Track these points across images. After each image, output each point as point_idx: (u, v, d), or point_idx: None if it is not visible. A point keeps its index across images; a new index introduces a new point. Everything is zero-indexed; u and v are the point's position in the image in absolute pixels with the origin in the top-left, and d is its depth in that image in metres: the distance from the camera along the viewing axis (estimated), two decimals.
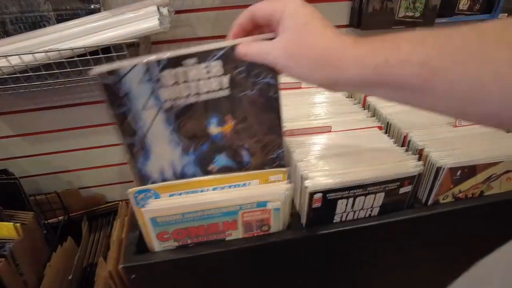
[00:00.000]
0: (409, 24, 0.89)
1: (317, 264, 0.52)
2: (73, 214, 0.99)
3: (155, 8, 0.63)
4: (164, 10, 0.66)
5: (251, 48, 0.35)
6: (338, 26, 0.92)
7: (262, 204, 0.44)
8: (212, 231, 0.46)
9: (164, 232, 0.44)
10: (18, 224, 0.72)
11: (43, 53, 0.61)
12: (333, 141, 0.53)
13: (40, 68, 0.64)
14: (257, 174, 0.44)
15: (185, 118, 0.40)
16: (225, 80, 0.38)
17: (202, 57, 0.36)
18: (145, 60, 0.35)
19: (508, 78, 0.22)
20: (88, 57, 0.63)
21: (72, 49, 0.62)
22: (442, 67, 0.25)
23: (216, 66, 0.37)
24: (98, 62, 0.65)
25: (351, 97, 0.69)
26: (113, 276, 0.66)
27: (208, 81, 0.38)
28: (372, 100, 0.66)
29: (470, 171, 0.50)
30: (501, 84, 0.23)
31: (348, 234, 0.49)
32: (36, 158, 0.95)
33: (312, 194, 0.45)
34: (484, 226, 0.55)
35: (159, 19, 0.62)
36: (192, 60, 0.36)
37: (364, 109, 0.64)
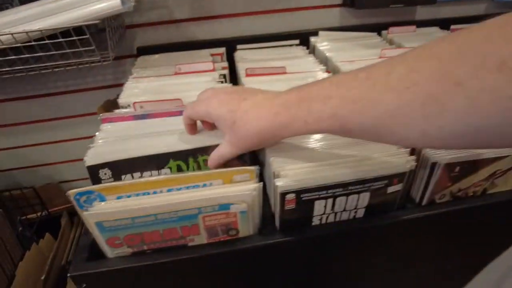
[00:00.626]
0: (409, 2, 0.81)
1: (293, 272, 0.46)
2: (53, 209, 0.95)
3: None
4: None
5: (213, 159, 0.41)
6: (331, 6, 0.84)
7: (224, 207, 0.38)
8: (170, 237, 0.40)
9: (115, 238, 0.39)
10: None
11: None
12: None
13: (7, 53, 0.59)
14: (220, 173, 0.38)
15: None
16: None
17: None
18: None
19: (400, 116, 0.27)
20: (47, 41, 0.57)
21: (26, 32, 0.55)
22: (348, 115, 0.30)
23: None
24: (59, 47, 0.59)
25: None
26: None
27: None
28: None
29: (470, 167, 0.43)
30: (396, 121, 0.27)
31: (328, 238, 0.43)
32: (11, 151, 0.91)
33: (283, 195, 0.38)
34: (487, 228, 0.49)
35: None
36: None
37: None
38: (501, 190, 0.47)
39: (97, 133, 0.47)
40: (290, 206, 0.40)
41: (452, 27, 0.88)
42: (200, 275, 0.43)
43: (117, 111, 0.55)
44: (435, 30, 0.86)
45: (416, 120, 0.26)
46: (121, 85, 0.86)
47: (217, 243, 0.42)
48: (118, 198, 0.37)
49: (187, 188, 0.38)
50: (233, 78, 0.72)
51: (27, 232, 0.82)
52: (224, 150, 0.39)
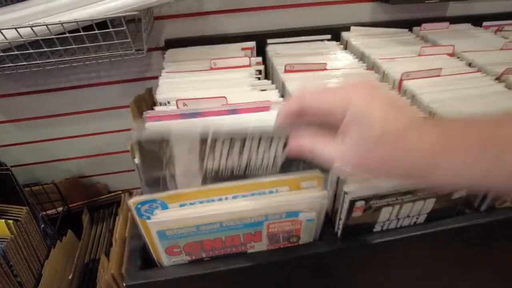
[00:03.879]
0: None
1: (353, 279, 0.45)
2: (73, 205, 0.93)
3: None
4: None
5: (317, 150, 0.29)
6: (363, 1, 0.81)
7: (292, 214, 0.36)
8: (231, 244, 0.38)
9: (174, 246, 0.37)
10: (11, 221, 0.65)
11: (29, 28, 0.52)
12: None
13: (26, 46, 0.56)
14: (287, 180, 0.35)
15: None
16: None
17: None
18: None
19: None
20: (82, 33, 0.54)
21: (61, 24, 0.53)
22: None
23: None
24: (93, 39, 0.57)
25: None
26: (116, 280, 0.59)
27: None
28: (409, 85, 0.57)
29: None
30: None
31: (391, 245, 0.42)
32: (30, 145, 0.88)
33: (353, 202, 0.37)
34: None
35: None
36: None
37: (399, 95, 0.56)
38: None
39: None
40: (357, 213, 0.38)
41: (485, 23, 0.86)
42: (258, 282, 0.42)
43: (158, 108, 0.53)
44: (468, 27, 0.84)
45: None
46: (147, 78, 0.84)
47: (278, 250, 0.40)
48: (181, 206, 0.35)
49: (252, 195, 0.36)
50: (266, 73, 0.70)
51: (49, 229, 0.80)
52: (334, 154, 0.28)
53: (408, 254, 0.44)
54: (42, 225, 0.79)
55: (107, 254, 0.76)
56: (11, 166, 0.74)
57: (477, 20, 0.85)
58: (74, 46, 0.57)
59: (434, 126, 0.26)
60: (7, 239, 0.64)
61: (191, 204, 0.35)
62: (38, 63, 0.59)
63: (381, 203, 0.38)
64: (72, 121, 0.87)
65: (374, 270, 0.45)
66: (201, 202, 0.35)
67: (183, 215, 0.34)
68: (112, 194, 0.98)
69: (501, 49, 0.70)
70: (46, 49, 0.56)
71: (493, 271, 0.49)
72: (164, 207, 0.34)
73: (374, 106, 0.26)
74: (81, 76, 0.80)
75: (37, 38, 0.54)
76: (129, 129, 0.98)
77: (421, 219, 0.43)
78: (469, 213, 0.45)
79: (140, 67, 0.81)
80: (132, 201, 0.33)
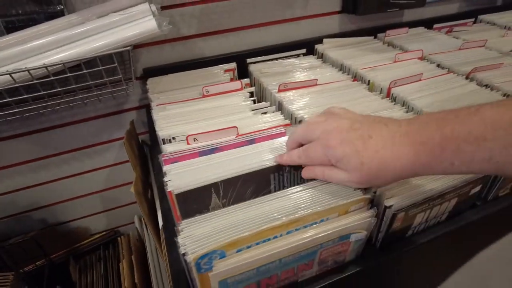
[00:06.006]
0: (403, 5, 0.85)
1: (394, 285, 0.47)
2: (55, 256, 0.84)
3: (147, 6, 0.51)
4: (154, 8, 0.54)
5: (328, 177, 0.38)
6: (330, 13, 0.85)
7: (345, 238, 0.37)
8: (285, 277, 0.38)
9: None
10: None
11: (7, 76, 0.47)
12: None
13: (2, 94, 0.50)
14: (336, 207, 0.36)
15: None
16: None
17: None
18: None
19: None
20: (68, 74, 0.50)
21: (46, 67, 0.48)
22: (510, 160, 0.28)
23: None
24: (80, 79, 0.53)
25: (373, 91, 0.64)
26: None
27: None
28: (398, 91, 0.61)
29: None
30: None
31: (424, 246, 0.44)
32: None
33: (395, 215, 0.38)
34: None
35: (156, 19, 0.50)
36: None
37: (392, 102, 0.59)
38: None
39: (166, 179, 0.42)
40: (397, 224, 0.40)
41: (435, 26, 0.95)
42: None
43: (166, 146, 0.50)
44: (422, 30, 0.93)
45: None
46: (125, 110, 0.79)
47: (326, 273, 0.40)
48: (238, 251, 0.33)
49: (305, 227, 0.36)
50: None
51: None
52: (341, 180, 0.36)
53: (438, 251, 0.47)
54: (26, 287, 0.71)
55: None
56: None
57: (428, 23, 0.94)
58: (59, 89, 0.52)
59: (402, 136, 0.33)
60: None
61: (248, 247, 0.34)
62: (16, 111, 0.53)
63: (417, 211, 0.40)
64: (42, 166, 0.79)
65: (412, 273, 0.47)
66: (257, 243, 0.34)
67: (244, 260, 0.33)
68: (97, 236, 0.91)
69: (460, 49, 0.78)
70: (26, 96, 0.51)
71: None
72: (222, 255, 0.33)
73: (341, 147, 0.34)
74: (52, 117, 0.74)
75: (16, 85, 0.49)
76: (106, 166, 0.94)
77: (444, 217, 0.46)
78: (480, 205, 0.49)
79: (119, 100, 0.77)
80: (193, 257, 0.31)
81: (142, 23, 0.50)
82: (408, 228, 0.43)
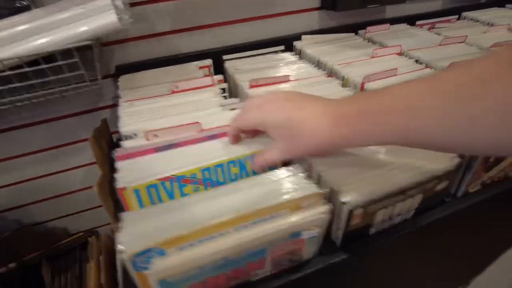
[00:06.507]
0: (383, 2, 0.84)
1: (357, 283, 0.45)
2: (28, 257, 0.82)
3: (108, 0, 0.50)
4: (118, 2, 0.53)
5: (259, 164, 0.41)
6: (310, 10, 0.84)
7: (295, 235, 0.35)
8: (235, 276, 0.36)
9: None
10: None
11: None
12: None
13: None
14: (287, 203, 0.34)
15: None
16: None
17: None
18: None
19: (473, 127, 0.27)
20: (26, 69, 0.49)
21: (1, 61, 0.47)
22: (416, 129, 0.30)
23: None
24: (39, 75, 0.51)
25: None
26: None
27: None
28: (371, 87, 0.60)
29: None
30: (469, 133, 0.28)
31: (387, 245, 0.43)
32: None
33: (351, 211, 0.37)
34: None
35: (117, 13, 0.49)
36: None
37: None
38: None
39: (117, 175, 0.40)
40: (356, 221, 0.38)
41: (418, 22, 0.94)
42: None
43: (125, 143, 0.49)
44: (405, 27, 0.91)
45: (490, 131, 0.26)
46: (98, 109, 0.78)
47: (282, 272, 0.39)
48: (182, 249, 0.32)
49: (254, 223, 0.34)
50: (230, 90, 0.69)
51: None
52: (273, 155, 0.39)
53: (403, 250, 0.45)
54: None
55: None
56: None
57: (411, 20, 0.93)
58: (17, 85, 0.51)
59: (329, 111, 0.35)
60: None
61: (190, 245, 0.32)
62: None
63: (377, 207, 0.39)
64: (17, 165, 0.78)
65: (375, 271, 0.45)
66: (201, 241, 0.32)
67: (185, 258, 0.31)
68: (74, 237, 0.89)
69: (439, 45, 0.77)
70: None
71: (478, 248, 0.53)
72: (161, 253, 0.31)
73: (275, 114, 0.37)
74: (24, 115, 0.72)
75: None
76: (84, 165, 0.91)
77: (409, 214, 0.44)
78: (451, 201, 0.47)
79: (91, 97, 0.75)
80: (128, 255, 0.30)
81: (102, 17, 0.49)
82: (370, 226, 0.41)
